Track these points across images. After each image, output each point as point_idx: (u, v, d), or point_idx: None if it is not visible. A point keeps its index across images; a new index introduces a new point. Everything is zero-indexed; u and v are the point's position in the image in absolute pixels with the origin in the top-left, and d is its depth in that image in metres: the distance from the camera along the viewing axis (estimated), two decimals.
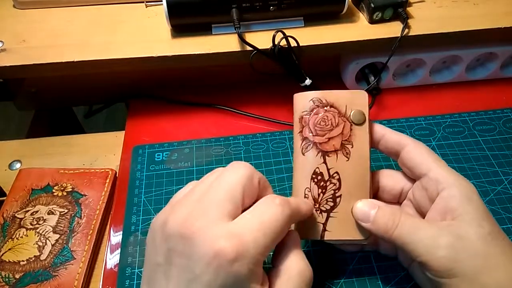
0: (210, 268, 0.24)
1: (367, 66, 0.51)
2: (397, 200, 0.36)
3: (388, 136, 0.34)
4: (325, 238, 0.33)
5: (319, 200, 0.33)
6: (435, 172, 0.32)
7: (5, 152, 0.48)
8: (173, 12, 0.44)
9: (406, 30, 0.46)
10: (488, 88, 0.53)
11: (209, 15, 0.45)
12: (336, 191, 0.33)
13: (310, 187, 0.33)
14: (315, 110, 0.34)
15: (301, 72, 0.46)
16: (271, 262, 0.29)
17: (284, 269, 0.28)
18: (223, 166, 0.30)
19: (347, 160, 0.33)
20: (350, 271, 0.37)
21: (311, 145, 0.33)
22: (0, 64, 0.43)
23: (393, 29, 0.46)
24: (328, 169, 0.33)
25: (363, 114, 0.34)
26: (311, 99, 0.34)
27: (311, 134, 0.33)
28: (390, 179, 0.35)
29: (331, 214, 0.33)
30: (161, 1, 0.43)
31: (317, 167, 0.33)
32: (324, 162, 0.33)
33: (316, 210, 0.33)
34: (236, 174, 0.28)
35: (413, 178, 0.34)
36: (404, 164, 0.34)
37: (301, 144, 0.34)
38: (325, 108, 0.34)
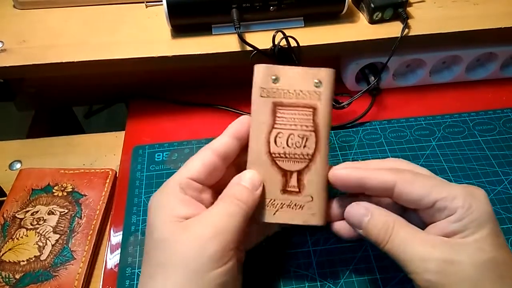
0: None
1: (367, 66, 0.51)
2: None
3: (371, 178, 0.30)
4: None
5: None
6: (441, 199, 0.29)
7: (5, 152, 0.48)
8: (173, 12, 0.44)
9: (406, 30, 0.46)
10: (488, 88, 0.53)
11: (209, 15, 0.45)
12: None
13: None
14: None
15: None
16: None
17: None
18: None
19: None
20: (350, 271, 0.37)
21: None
22: (0, 64, 0.43)
23: (393, 29, 0.46)
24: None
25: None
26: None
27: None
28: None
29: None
30: (161, 1, 0.43)
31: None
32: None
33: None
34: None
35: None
36: (404, 202, 0.30)
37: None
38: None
